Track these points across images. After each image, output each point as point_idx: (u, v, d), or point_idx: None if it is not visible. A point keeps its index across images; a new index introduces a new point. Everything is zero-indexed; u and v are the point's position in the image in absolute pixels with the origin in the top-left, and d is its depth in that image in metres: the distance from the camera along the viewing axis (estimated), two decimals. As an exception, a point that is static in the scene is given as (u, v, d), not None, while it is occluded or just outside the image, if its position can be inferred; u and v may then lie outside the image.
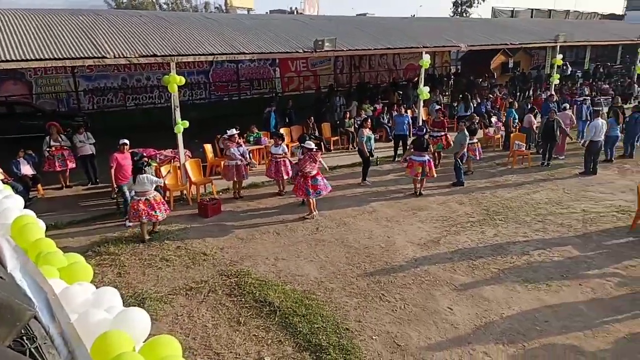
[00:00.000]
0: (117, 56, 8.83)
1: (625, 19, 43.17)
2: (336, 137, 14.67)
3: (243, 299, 6.12)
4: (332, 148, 14.38)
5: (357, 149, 11.38)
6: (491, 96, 18.54)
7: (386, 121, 15.49)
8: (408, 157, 10.38)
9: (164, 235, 8.22)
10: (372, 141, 11.50)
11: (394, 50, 14.91)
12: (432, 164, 10.37)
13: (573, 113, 15.17)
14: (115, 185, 9.00)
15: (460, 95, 17.06)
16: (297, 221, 8.86)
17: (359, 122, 14.07)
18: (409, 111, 14.79)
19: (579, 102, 16.19)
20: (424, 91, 13.77)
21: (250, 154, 10.84)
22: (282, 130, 12.97)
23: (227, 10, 38.95)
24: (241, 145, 10.21)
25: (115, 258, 7.37)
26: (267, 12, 35.84)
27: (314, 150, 8.92)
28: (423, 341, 5.24)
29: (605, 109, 16.61)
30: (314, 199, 8.94)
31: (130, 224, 8.47)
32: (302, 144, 9.20)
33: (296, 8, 46.76)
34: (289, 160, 10.27)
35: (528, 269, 6.81)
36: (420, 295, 6.17)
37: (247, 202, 10.04)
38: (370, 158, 11.23)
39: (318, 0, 48.43)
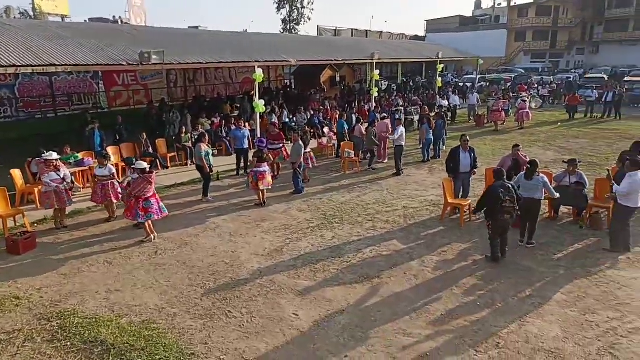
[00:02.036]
0: None
1: (427, 39, 50.64)
2: (173, 153, 14.03)
3: (69, 343, 5.38)
4: (169, 165, 13.70)
5: (195, 164, 11.04)
6: (322, 108, 19.79)
7: (224, 135, 15.38)
8: (252, 170, 10.47)
9: (-41, 283, 6.79)
10: (211, 156, 11.28)
11: (226, 64, 14.91)
12: (272, 174, 10.64)
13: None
14: None
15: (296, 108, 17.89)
16: (133, 246, 8.18)
17: (196, 137, 13.69)
18: (247, 124, 14.92)
19: (393, 112, 18.34)
20: (260, 104, 14.05)
21: (73, 177, 9.67)
22: (109, 149, 11.88)
23: (35, 17, 34.33)
24: (59, 169, 8.99)
25: None
26: (85, 21, 32.55)
27: (147, 171, 8.35)
28: (271, 351, 5.28)
29: (417, 117, 19.15)
30: (149, 222, 8.36)
31: None
32: (132, 166, 8.55)
33: (120, 17, 43.62)
34: (118, 182, 9.44)
35: (362, 265, 7.40)
36: (267, 306, 6.22)
37: (71, 231, 8.92)
38: (211, 173, 11.00)
39: (145, 10, 45.87)
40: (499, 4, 60.42)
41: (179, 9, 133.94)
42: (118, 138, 13.72)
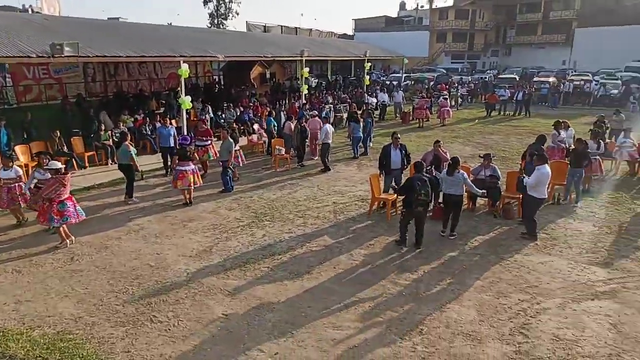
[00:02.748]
0: None
1: (355, 38, 51.68)
2: (91, 153, 13.19)
3: (-29, 362, 4.90)
4: (87, 165, 12.87)
5: (118, 164, 10.45)
6: (252, 105, 19.57)
7: (149, 133, 14.73)
8: (174, 168, 10.11)
9: None
10: (135, 155, 10.76)
11: (149, 58, 14.26)
12: (198, 172, 10.33)
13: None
14: None
15: (225, 105, 17.54)
16: (45, 253, 7.60)
17: (117, 135, 12.99)
18: (173, 121, 14.40)
19: (325, 109, 18.56)
20: (186, 101, 13.62)
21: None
22: (17, 149, 10.95)
23: None
24: None
25: None
26: (-11, 8, 29.58)
27: (62, 171, 7.78)
28: (199, 354, 5.15)
29: (345, 114, 19.50)
30: (64, 226, 7.81)
31: None
32: (46, 167, 7.92)
33: (31, 6, 40.10)
34: (25, 185, 8.66)
35: (293, 262, 7.42)
36: (195, 308, 6.05)
37: (-27, 239, 8.12)
38: (136, 173, 10.48)
39: (59, -1, 42.59)
40: (422, 6, 63.18)
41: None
42: (26, 136, 12.66)
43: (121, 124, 14.02)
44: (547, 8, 52.30)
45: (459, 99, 27.77)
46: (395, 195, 9.75)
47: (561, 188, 10.19)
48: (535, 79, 32.68)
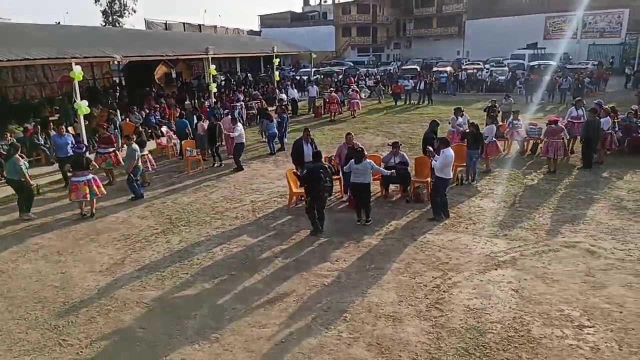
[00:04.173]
0: None
1: (262, 34, 51.34)
2: (-26, 169, 11.77)
3: None
4: (-30, 183, 11.47)
5: (7, 179, 9.45)
6: (158, 106, 18.70)
7: (42, 142, 13.49)
8: (70, 179, 9.39)
9: None
10: (26, 168, 9.79)
11: (34, 61, 13.01)
12: (98, 181, 9.64)
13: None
14: None
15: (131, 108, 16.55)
16: None
17: (4, 148, 11.77)
18: (70, 129, 13.33)
19: (233, 108, 18.24)
20: (82, 105, 12.64)
21: None
22: None
23: None
24: None
25: None
26: None
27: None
28: (118, 373, 4.85)
29: (257, 112, 19.35)
30: None
31: None
32: None
33: None
34: None
35: (213, 266, 7.23)
36: (108, 326, 5.68)
37: None
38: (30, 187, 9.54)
39: None
40: (325, 1, 64.24)
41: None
42: None
43: (8, 135, 12.68)
44: (440, 2, 55.85)
45: (368, 90, 28.74)
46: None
47: (464, 170, 10.97)
48: (435, 69, 34.78)
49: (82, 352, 5.21)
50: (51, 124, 14.16)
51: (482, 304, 5.89)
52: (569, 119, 13.15)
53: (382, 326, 5.51)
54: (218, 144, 13.27)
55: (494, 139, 11.87)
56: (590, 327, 5.33)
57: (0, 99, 18.52)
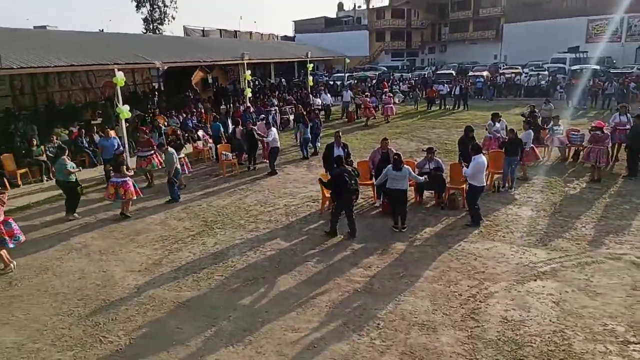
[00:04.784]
0: None
1: (296, 40, 51.83)
2: (24, 170, 12.38)
3: None
4: (20, 183, 12.08)
5: (56, 180, 9.88)
6: (195, 111, 19.14)
7: (86, 144, 14.05)
8: (110, 180, 9.76)
9: None
10: (73, 168, 10.23)
11: (80, 67, 13.59)
12: (128, 185, 9.85)
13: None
14: None
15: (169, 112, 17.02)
16: (-21, 281, 7.06)
17: (51, 150, 12.33)
18: (112, 132, 13.82)
19: (271, 113, 18.48)
20: (124, 110, 13.10)
21: None
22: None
23: None
24: None
25: None
26: None
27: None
28: (155, 371, 4.98)
29: (292, 116, 19.53)
30: (4, 250, 7.31)
31: None
32: None
33: (-57, 15, 37.10)
34: None
35: (247, 268, 7.33)
36: (146, 324, 5.84)
37: None
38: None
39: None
40: (359, 7, 64.33)
41: (19, 7, 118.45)
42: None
43: (54, 138, 13.28)
44: (477, 6, 54.79)
45: (401, 95, 28.51)
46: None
47: (500, 177, 10.70)
48: (471, 73, 34.16)
49: (121, 349, 5.38)
50: (95, 127, 14.72)
51: (520, 316, 5.72)
52: (613, 125, 12.64)
53: (416, 335, 5.44)
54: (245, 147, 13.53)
55: (532, 145, 11.54)
56: (636, 344, 5.09)
57: (47, 103, 19.40)
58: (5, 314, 6.14)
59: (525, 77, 30.80)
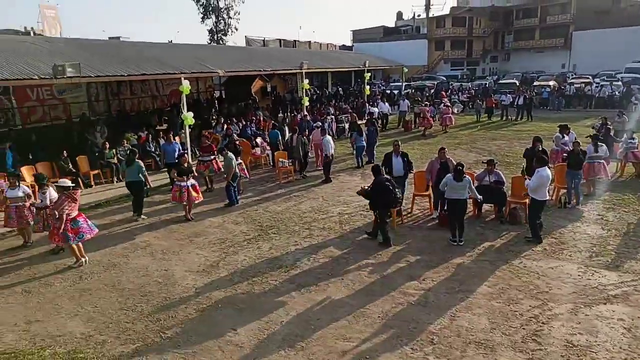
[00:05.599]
0: None
1: (354, 49, 52.05)
2: (96, 171, 13.26)
3: (-18, 384, 4.89)
4: (93, 183, 12.94)
5: (126, 182, 10.49)
6: (254, 118, 19.67)
7: (152, 149, 14.82)
8: (175, 184, 10.21)
9: None
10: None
11: (150, 76, 14.40)
12: (197, 188, 10.30)
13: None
14: None
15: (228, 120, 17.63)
16: (54, 273, 7.62)
17: (122, 153, 13.10)
18: (177, 138, 14.49)
19: (327, 121, 18.62)
20: (188, 117, 13.71)
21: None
22: (24, 170, 11.04)
23: None
24: None
25: None
26: (-9, 32, 29.98)
27: (69, 188, 7.82)
28: (210, 370, 5.12)
29: (347, 125, 19.58)
30: (79, 244, 7.85)
31: None
32: (56, 184, 8.00)
33: (32, 28, 40.67)
34: (33, 204, 8.73)
35: (301, 274, 7.40)
36: (203, 324, 6.03)
37: (-18, 261, 8.15)
38: (145, 188, 10.56)
39: (60, 20, 43.20)
40: (419, 15, 63.61)
41: (97, 20, 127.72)
42: (31, 157, 12.75)
43: (125, 142, 14.12)
44: (544, 13, 52.53)
45: (460, 105, 27.80)
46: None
47: (566, 192, 10.13)
48: (536, 83, 32.73)
49: (179, 345, 5.58)
50: (161, 132, 15.52)
51: (587, 341, 5.36)
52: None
53: (472, 353, 5.24)
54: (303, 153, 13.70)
55: (601, 160, 10.81)
56: None
57: (119, 109, 20.71)
58: (75, 306, 6.57)
59: (597, 87, 29.07)
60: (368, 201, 8.64)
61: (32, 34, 35.42)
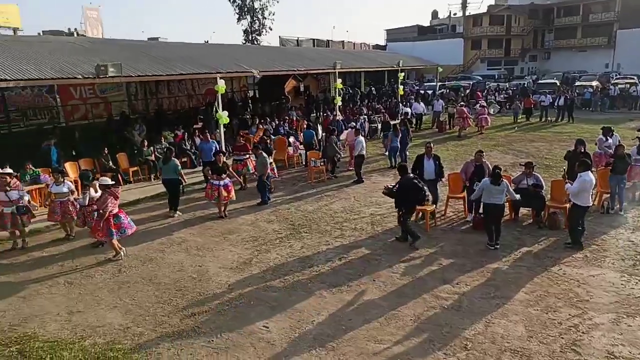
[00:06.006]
0: None
1: (387, 48, 51.63)
2: (135, 168, 13.67)
3: (28, 370, 5.13)
4: (132, 179, 13.34)
5: (163, 179, 10.78)
6: (287, 118, 19.80)
7: (188, 147, 15.15)
8: (209, 182, 10.40)
9: None
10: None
11: (187, 75, 14.72)
12: (230, 187, 10.42)
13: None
14: None
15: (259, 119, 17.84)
16: (95, 265, 7.91)
17: (165, 151, 13.42)
18: (212, 136, 14.73)
19: (359, 121, 18.55)
20: (223, 116, 13.94)
21: (29, 197, 9.19)
22: (67, 166, 11.49)
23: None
24: (15, 189, 8.45)
25: None
26: (39, 33, 31.42)
27: (111, 186, 8.10)
28: (242, 366, 5.20)
29: (379, 125, 19.44)
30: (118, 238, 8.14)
31: None
32: (98, 183, 8.31)
33: (76, 29, 42.33)
34: (77, 200, 9.08)
35: (332, 274, 7.41)
36: (236, 320, 6.13)
37: (29, 252, 8.55)
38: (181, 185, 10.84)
39: (102, 21, 44.78)
40: (455, 14, 62.53)
41: (137, 21, 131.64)
42: (75, 153, 13.26)
43: (163, 140, 14.48)
44: (586, 10, 50.65)
45: (497, 106, 27.15)
46: (434, 206, 9.64)
47: (609, 197, 9.73)
48: (578, 83, 31.60)
49: (212, 340, 5.69)
50: (196, 131, 15.84)
51: (630, 353, 5.14)
52: None
53: (508, 361, 5.11)
54: (338, 155, 13.67)
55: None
56: None
57: (157, 108, 21.27)
58: (115, 298, 6.80)
59: (644, 87, 27.80)
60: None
61: (75, 34, 36.88)
